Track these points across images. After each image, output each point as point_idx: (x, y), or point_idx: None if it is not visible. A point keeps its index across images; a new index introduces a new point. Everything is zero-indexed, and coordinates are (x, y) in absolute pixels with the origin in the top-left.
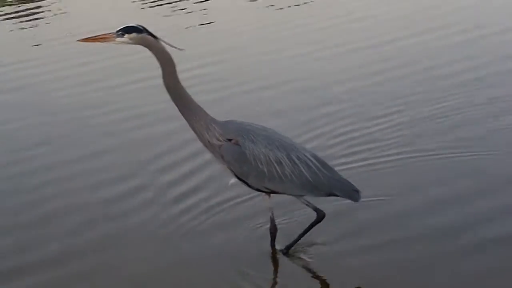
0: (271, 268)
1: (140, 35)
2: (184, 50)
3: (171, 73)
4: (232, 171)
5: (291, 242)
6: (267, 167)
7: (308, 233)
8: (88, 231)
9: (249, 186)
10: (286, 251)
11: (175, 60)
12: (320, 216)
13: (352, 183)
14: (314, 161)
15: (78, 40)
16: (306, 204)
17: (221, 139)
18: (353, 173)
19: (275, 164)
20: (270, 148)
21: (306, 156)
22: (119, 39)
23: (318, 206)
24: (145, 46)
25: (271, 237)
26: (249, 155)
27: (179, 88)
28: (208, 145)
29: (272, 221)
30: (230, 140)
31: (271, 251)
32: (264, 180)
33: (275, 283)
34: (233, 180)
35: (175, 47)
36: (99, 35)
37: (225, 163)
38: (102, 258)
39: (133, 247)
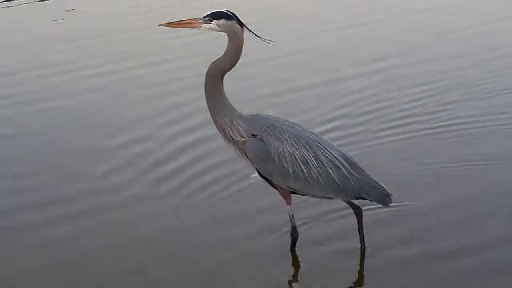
0: (292, 271)
1: (229, 22)
2: (273, 44)
3: (226, 65)
4: (255, 168)
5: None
6: (292, 166)
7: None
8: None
9: (272, 184)
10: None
11: None
12: (358, 213)
13: (384, 186)
14: (343, 161)
15: (161, 25)
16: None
17: (245, 135)
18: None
19: (301, 164)
20: (296, 147)
21: (334, 156)
22: (206, 25)
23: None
24: (228, 33)
25: (292, 241)
26: (273, 153)
27: (220, 81)
28: (231, 141)
29: (293, 224)
30: (254, 136)
31: (291, 256)
32: (289, 179)
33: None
34: (256, 174)
35: (264, 40)
36: (184, 20)
37: (248, 160)
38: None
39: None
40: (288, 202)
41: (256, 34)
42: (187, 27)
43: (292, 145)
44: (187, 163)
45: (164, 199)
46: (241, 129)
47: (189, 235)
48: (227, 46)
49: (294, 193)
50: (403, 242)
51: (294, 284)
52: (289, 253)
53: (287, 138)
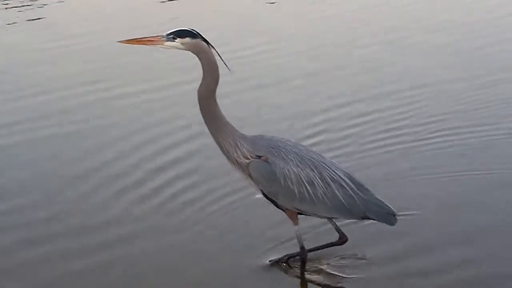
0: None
1: (194, 40)
2: (232, 72)
3: (211, 84)
4: (260, 189)
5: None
6: (298, 187)
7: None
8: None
9: (277, 205)
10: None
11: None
12: (342, 241)
13: (389, 205)
14: (348, 181)
15: (120, 41)
16: (334, 226)
17: (249, 156)
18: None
19: (307, 184)
20: (301, 167)
21: (339, 175)
22: (169, 43)
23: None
24: (196, 52)
25: (301, 262)
26: (279, 174)
27: (212, 101)
28: (235, 162)
29: (301, 244)
30: (259, 157)
31: (300, 278)
32: (295, 200)
33: None
34: (260, 195)
35: (226, 65)
36: (146, 38)
37: (253, 181)
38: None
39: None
40: (295, 223)
41: (220, 55)
42: (148, 44)
43: (297, 165)
44: (168, 181)
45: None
46: (245, 150)
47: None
48: (202, 66)
49: (300, 213)
50: (402, 254)
51: None
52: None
53: (292, 159)
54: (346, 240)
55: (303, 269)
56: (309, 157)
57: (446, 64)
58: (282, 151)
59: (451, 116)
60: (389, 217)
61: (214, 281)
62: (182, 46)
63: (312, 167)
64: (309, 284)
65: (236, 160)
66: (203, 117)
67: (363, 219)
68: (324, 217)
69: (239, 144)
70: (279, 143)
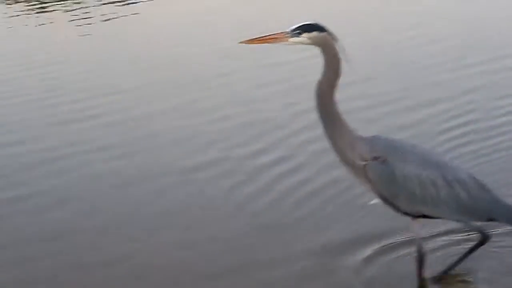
0: None
1: (322, 34)
2: (352, 64)
3: (332, 80)
4: (378, 192)
5: (446, 268)
6: (420, 189)
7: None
8: None
9: (396, 209)
10: (439, 278)
11: None
12: (484, 238)
13: None
14: (471, 182)
15: (242, 42)
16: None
17: (367, 157)
18: None
19: (429, 185)
20: (423, 167)
21: (462, 177)
22: (294, 39)
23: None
24: (322, 46)
25: (418, 265)
26: (399, 175)
27: (331, 99)
28: (351, 164)
29: (420, 248)
30: (376, 158)
31: (417, 282)
32: (416, 203)
33: None
34: (376, 200)
35: (347, 59)
36: (268, 35)
37: (370, 183)
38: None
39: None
40: (417, 229)
41: (344, 50)
42: (272, 42)
43: (418, 166)
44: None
45: None
46: (363, 152)
47: None
48: (325, 60)
49: (423, 217)
50: None
51: None
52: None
53: (412, 159)
54: (488, 237)
55: (419, 271)
56: (429, 158)
57: None
58: (400, 152)
59: None
60: None
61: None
62: (308, 41)
63: (433, 167)
64: None
65: (353, 161)
66: (320, 114)
67: (488, 221)
68: (447, 219)
69: (356, 145)
70: (396, 144)
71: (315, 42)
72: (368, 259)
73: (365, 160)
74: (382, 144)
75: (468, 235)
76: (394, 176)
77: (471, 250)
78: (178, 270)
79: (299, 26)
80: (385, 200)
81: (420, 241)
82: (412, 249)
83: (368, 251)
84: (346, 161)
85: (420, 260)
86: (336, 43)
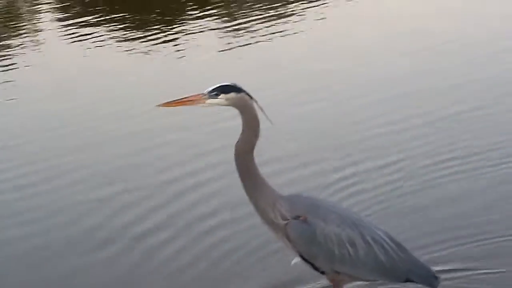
0: None
1: (239, 94)
2: (274, 125)
3: (252, 139)
4: (298, 251)
5: None
6: (339, 249)
7: None
8: None
9: (315, 268)
10: None
11: None
12: None
13: (431, 267)
14: (389, 242)
15: (159, 105)
16: None
17: (287, 216)
18: None
19: (348, 245)
20: (342, 227)
21: (380, 236)
22: (211, 100)
23: None
24: (239, 107)
25: None
26: (319, 235)
27: (251, 158)
28: (271, 223)
29: None
30: (297, 217)
31: None
32: (335, 262)
33: None
34: (297, 259)
35: (267, 118)
36: (185, 98)
37: (290, 242)
38: None
39: None
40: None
41: (262, 109)
42: (189, 104)
43: (338, 225)
44: None
45: None
46: (283, 211)
47: None
48: (243, 121)
49: (340, 276)
50: None
51: None
52: None
53: (333, 219)
54: None
55: None
56: (349, 217)
57: None
58: (321, 211)
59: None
60: (432, 280)
61: None
62: (226, 102)
63: (353, 227)
64: None
65: (273, 221)
66: (240, 174)
67: (405, 281)
68: (364, 280)
69: (277, 204)
70: (317, 202)
71: (232, 103)
72: None
73: (286, 219)
74: (302, 203)
75: None
76: (314, 235)
77: None
78: None
79: (216, 88)
80: (305, 259)
81: None
82: None
83: None
84: (267, 220)
85: None
86: (254, 103)
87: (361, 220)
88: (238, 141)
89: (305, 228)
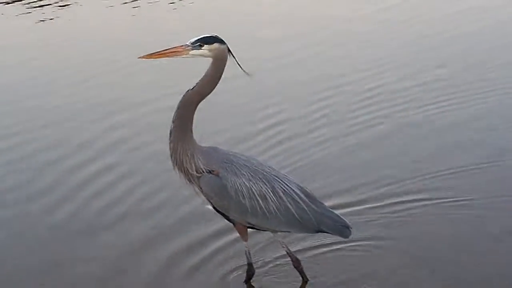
0: None
1: (222, 46)
2: (251, 76)
3: (206, 91)
4: (210, 203)
5: None
6: (250, 202)
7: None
8: None
9: (227, 219)
10: None
11: None
12: (296, 264)
13: (342, 218)
14: (301, 194)
15: (141, 57)
16: (283, 247)
17: (202, 169)
18: None
19: (259, 198)
20: (254, 181)
21: (292, 189)
22: (194, 51)
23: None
24: (217, 59)
25: (247, 277)
26: (230, 189)
27: (194, 108)
28: (186, 173)
29: (249, 261)
30: (211, 172)
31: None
32: (247, 215)
33: None
34: (210, 207)
35: (244, 71)
36: (168, 49)
37: (203, 195)
38: None
39: None
40: (245, 238)
41: (238, 62)
42: (172, 56)
43: (250, 179)
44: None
45: None
46: (200, 163)
47: None
48: (209, 71)
49: (252, 227)
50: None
51: None
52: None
53: (244, 173)
54: (299, 262)
55: (248, 281)
56: (261, 171)
57: None
58: (235, 165)
59: None
60: (343, 229)
61: None
62: (209, 53)
63: (264, 180)
64: None
65: (188, 171)
66: (176, 118)
67: (316, 232)
68: (276, 231)
69: (195, 156)
70: (231, 157)
71: (214, 55)
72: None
73: (200, 172)
74: (218, 157)
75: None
76: (225, 189)
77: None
78: None
79: (199, 39)
80: (217, 210)
81: (249, 252)
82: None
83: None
84: (181, 170)
85: (249, 271)
86: (230, 57)
87: (274, 174)
88: (192, 89)
89: (217, 182)
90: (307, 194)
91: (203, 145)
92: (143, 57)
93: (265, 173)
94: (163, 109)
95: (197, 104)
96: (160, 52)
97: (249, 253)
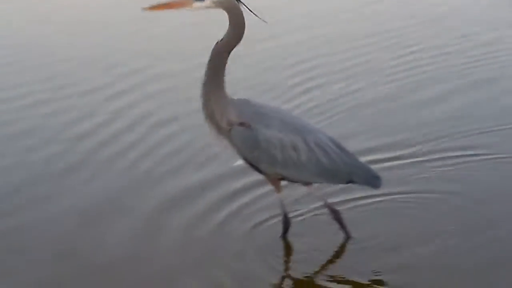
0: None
1: None
2: (267, 23)
3: (234, 41)
4: (241, 156)
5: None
6: (281, 153)
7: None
8: None
9: (259, 171)
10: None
11: None
12: (336, 215)
13: (372, 168)
14: (331, 145)
15: (145, 8)
16: (321, 199)
17: (233, 122)
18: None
19: (290, 150)
20: (285, 133)
21: (323, 140)
22: (198, 3)
23: None
24: (227, 9)
25: (283, 228)
26: (262, 140)
27: (225, 59)
28: (216, 125)
29: (284, 211)
30: (242, 124)
31: (282, 244)
32: (277, 166)
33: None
34: (240, 161)
35: (259, 17)
36: (172, 1)
37: (233, 147)
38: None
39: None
40: (278, 190)
41: (251, 10)
42: (176, 8)
43: (281, 131)
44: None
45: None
46: (230, 116)
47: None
48: (230, 22)
49: (284, 179)
50: (393, 236)
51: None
52: (280, 242)
53: (275, 125)
54: (339, 213)
55: (284, 234)
56: (292, 123)
57: None
58: (266, 117)
59: None
60: (374, 180)
61: None
62: (213, 5)
63: (295, 132)
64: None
65: (219, 124)
66: (208, 71)
67: (347, 183)
68: (308, 183)
69: (227, 109)
70: (262, 110)
71: (220, 6)
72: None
73: (231, 125)
74: (249, 110)
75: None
76: (257, 141)
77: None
78: None
79: None
80: (249, 163)
81: (283, 204)
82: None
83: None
84: (212, 122)
85: (285, 222)
86: (241, 6)
87: (305, 125)
88: (221, 40)
89: (248, 134)
90: (338, 145)
91: (234, 97)
92: (147, 8)
93: (295, 124)
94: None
95: (227, 55)
96: (163, 4)
97: (284, 205)
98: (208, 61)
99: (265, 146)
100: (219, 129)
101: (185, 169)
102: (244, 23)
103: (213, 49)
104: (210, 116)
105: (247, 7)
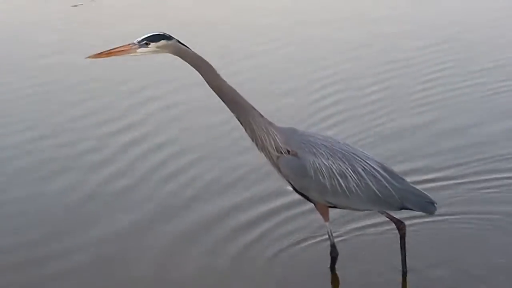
0: None
1: (170, 41)
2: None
3: (213, 76)
4: (290, 183)
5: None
6: (330, 181)
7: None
8: None
9: (308, 199)
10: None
11: None
12: (401, 227)
13: (426, 194)
14: (381, 171)
15: (89, 57)
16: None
17: (280, 149)
18: None
19: (339, 177)
20: (332, 160)
21: (372, 166)
22: (142, 49)
23: None
24: (176, 54)
25: (331, 260)
26: (309, 169)
27: (227, 88)
28: (266, 152)
29: (332, 242)
30: (289, 152)
31: (330, 275)
32: (327, 194)
33: None
34: (290, 187)
35: (198, 55)
36: (116, 48)
37: (282, 175)
38: None
39: None
40: (326, 218)
41: (192, 51)
42: (120, 55)
43: (328, 158)
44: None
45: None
46: (278, 142)
47: None
48: (190, 64)
49: (333, 207)
50: (446, 262)
51: None
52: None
53: (323, 152)
54: (404, 225)
55: (333, 265)
56: (340, 150)
57: None
58: (313, 145)
59: None
60: (428, 205)
61: None
62: (158, 50)
63: (343, 159)
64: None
65: (268, 148)
66: (230, 108)
67: (400, 209)
68: (358, 210)
69: (270, 131)
70: (309, 137)
71: (166, 50)
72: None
73: (279, 152)
74: (295, 137)
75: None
76: (305, 170)
77: (402, 244)
78: None
79: (145, 38)
80: (297, 191)
81: (331, 233)
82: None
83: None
84: (262, 148)
85: (332, 253)
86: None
87: (353, 151)
88: (208, 83)
89: (295, 163)
90: (387, 170)
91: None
92: (91, 56)
93: (343, 151)
94: None
95: (223, 85)
96: (108, 52)
97: (332, 234)
98: (222, 100)
99: (313, 174)
100: (269, 156)
101: (203, 198)
102: (200, 58)
103: (213, 90)
104: (260, 143)
105: (189, 49)
